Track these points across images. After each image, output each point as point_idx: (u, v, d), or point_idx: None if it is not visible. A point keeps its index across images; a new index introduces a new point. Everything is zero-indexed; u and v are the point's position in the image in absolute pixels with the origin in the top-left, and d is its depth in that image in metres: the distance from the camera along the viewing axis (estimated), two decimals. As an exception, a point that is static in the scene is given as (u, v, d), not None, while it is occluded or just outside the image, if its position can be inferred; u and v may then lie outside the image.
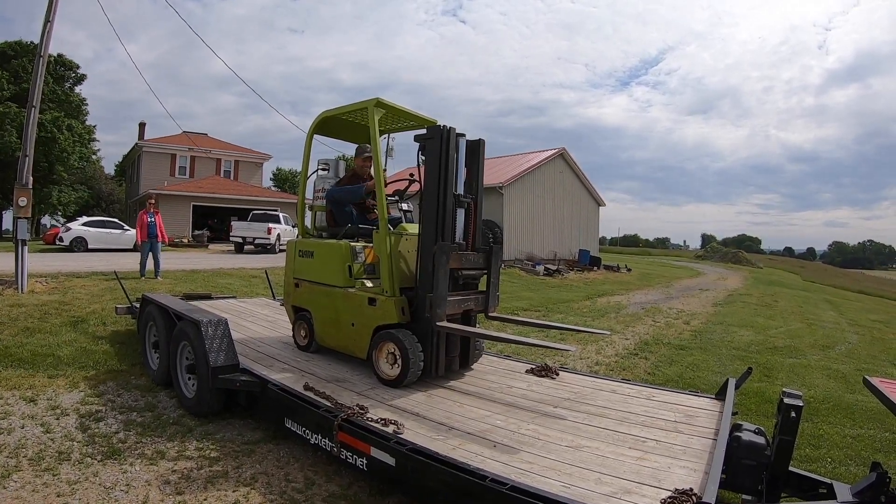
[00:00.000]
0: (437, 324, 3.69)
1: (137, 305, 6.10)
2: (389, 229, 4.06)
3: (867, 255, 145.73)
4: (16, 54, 31.29)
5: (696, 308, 13.73)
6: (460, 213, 4.06)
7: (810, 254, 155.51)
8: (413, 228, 4.32)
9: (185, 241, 24.99)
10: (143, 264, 11.05)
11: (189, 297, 7.18)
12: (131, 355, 5.76)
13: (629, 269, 25.72)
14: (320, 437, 3.24)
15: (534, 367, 4.46)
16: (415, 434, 2.96)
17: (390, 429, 2.98)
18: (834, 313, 15.72)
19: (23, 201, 8.84)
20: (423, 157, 3.98)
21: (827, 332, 11.12)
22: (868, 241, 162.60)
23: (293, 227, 23.77)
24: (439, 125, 3.96)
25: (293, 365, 4.31)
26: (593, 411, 3.44)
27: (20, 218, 8.90)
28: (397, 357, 3.82)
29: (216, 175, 32.35)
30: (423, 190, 3.95)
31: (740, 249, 61.10)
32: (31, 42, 30.71)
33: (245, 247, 20.67)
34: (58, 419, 4.05)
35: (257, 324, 5.87)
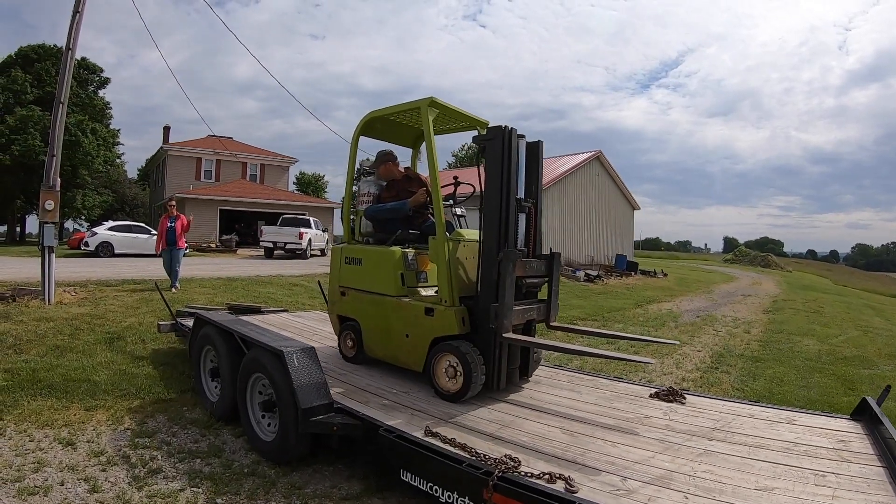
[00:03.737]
0: (504, 335, 3.43)
1: (183, 323, 5.32)
2: (447, 235, 3.76)
3: (891, 258, 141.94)
4: (38, 57, 31.02)
5: (748, 315, 13.03)
6: (521, 219, 3.81)
7: (833, 256, 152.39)
8: (469, 234, 4.06)
9: (213, 245, 24.43)
10: (170, 273, 9.92)
11: (235, 309, 6.39)
12: (179, 380, 4.98)
13: (665, 274, 24.72)
14: (456, 496, 2.51)
15: (658, 390, 3.89)
16: (591, 491, 2.30)
17: (560, 485, 2.33)
18: (881, 319, 14.87)
19: (49, 205, 8.09)
20: (483, 159, 3.74)
21: (886, 340, 10.46)
22: (892, 243, 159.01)
23: (323, 231, 23.08)
24: (500, 125, 3.67)
25: (393, 399, 3.50)
26: (749, 442, 2.96)
27: (47, 223, 8.15)
28: (458, 370, 3.54)
29: (242, 179, 31.89)
30: (485, 194, 3.70)
31: (769, 253, 59.73)
32: (55, 45, 30.53)
33: (275, 252, 19.98)
34: (104, 471, 3.25)
35: (324, 344, 5.01)
